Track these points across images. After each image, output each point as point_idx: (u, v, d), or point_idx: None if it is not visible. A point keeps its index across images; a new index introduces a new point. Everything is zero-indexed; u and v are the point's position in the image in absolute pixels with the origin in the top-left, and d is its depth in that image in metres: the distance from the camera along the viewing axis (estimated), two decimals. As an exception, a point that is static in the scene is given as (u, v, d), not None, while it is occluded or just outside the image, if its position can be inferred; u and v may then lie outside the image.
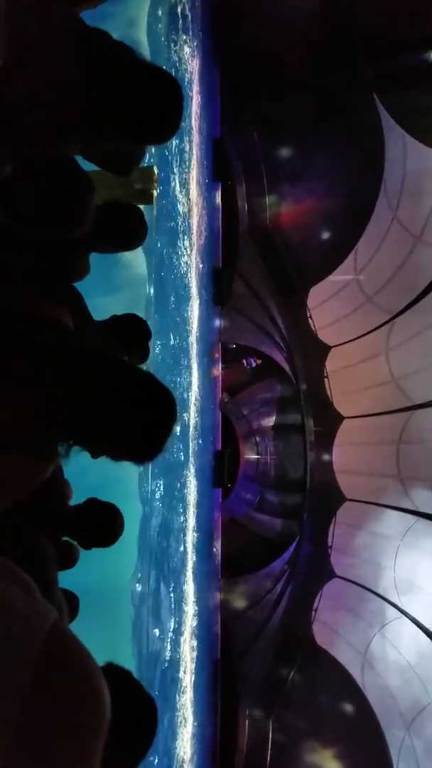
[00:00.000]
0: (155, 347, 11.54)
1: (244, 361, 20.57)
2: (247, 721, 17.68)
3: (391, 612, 17.07)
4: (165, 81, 1.29)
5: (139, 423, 1.10)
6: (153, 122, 1.32)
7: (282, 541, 20.14)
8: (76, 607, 2.66)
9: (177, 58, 13.00)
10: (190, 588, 15.00)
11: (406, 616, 16.67)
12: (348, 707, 16.98)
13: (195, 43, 14.03)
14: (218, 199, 17.41)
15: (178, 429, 13.86)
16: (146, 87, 1.27)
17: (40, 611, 0.56)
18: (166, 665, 13.20)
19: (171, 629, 13.58)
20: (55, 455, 1.09)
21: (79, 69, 1.21)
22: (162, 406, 1.12)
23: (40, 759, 0.43)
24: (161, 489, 12.99)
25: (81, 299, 1.97)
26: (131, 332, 2.24)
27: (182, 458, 14.70)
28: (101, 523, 2.22)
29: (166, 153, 12.00)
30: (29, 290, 1.38)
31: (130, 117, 1.29)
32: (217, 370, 18.71)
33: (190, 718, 14.52)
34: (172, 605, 13.71)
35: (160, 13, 11.95)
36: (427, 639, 15.88)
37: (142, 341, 2.27)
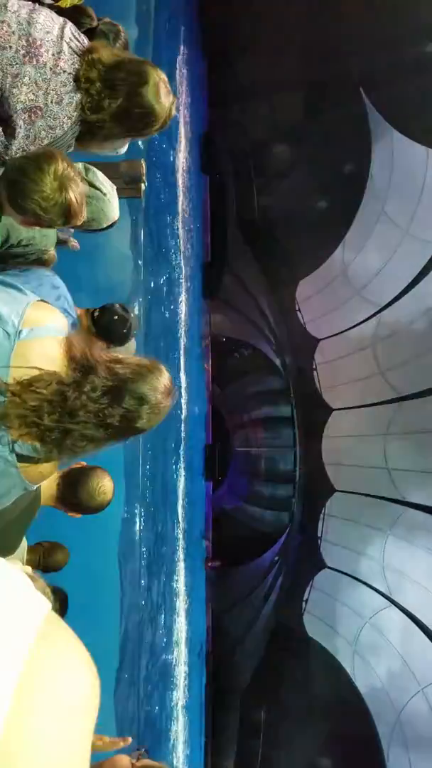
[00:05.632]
0: (144, 340, 11.53)
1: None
2: (239, 713, 17.83)
3: (381, 601, 17.27)
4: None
5: None
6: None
7: (273, 533, 20.26)
8: (65, 603, 2.67)
9: (164, 48, 12.89)
10: (181, 582, 15.07)
11: (394, 605, 16.87)
12: (339, 697, 17.17)
13: (183, 33, 13.94)
14: (207, 193, 17.35)
15: (168, 422, 13.88)
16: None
17: (40, 597, 0.58)
18: (158, 659, 13.27)
19: (162, 624, 13.64)
20: None
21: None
22: None
23: (31, 737, 0.44)
24: (151, 482, 13.01)
25: None
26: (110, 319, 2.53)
27: (172, 452, 14.73)
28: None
29: (155, 146, 11.93)
30: None
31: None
32: (207, 364, 18.71)
33: (182, 711, 14.63)
34: (164, 599, 13.77)
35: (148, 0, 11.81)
36: (416, 627, 16.10)
37: (117, 327, 2.55)
